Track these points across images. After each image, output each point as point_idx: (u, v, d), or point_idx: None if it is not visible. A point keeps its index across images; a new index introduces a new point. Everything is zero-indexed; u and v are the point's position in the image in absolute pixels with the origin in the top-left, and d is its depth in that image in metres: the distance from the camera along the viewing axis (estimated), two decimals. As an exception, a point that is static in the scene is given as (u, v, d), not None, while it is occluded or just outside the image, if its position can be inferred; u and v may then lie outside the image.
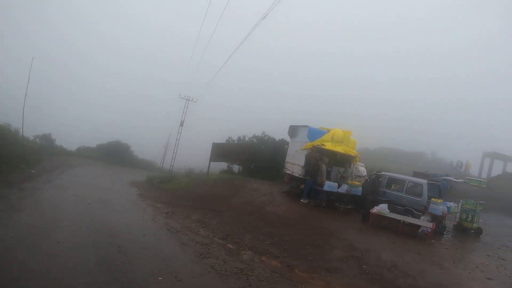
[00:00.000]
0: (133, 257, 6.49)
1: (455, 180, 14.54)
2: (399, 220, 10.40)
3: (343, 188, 12.29)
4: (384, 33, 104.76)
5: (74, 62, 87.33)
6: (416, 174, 16.68)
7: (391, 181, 12.95)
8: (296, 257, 7.32)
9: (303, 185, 13.06)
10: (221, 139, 20.35)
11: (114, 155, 32.51)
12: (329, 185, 12.13)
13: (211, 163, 18.29)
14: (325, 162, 13.18)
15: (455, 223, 12.70)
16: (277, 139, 18.82)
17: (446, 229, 12.08)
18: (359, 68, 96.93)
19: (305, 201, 12.56)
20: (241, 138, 20.04)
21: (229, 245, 7.80)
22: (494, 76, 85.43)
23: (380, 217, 10.75)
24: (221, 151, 18.21)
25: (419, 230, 10.41)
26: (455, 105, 70.83)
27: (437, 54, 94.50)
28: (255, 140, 19.53)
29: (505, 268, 8.76)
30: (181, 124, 30.42)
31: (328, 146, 12.93)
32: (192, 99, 30.47)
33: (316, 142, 13.09)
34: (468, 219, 12.30)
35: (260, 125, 23.28)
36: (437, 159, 37.72)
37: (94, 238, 7.35)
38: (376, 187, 12.07)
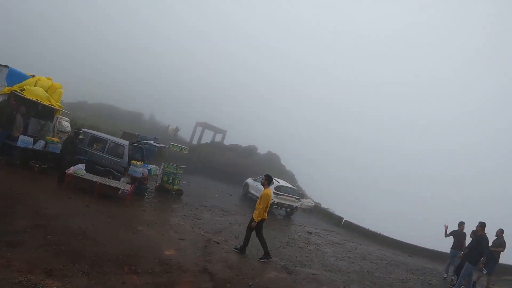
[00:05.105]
0: None
1: (156, 144, 15.07)
2: (96, 182, 9.65)
3: (40, 145, 10.42)
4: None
5: None
6: (125, 134, 16.44)
7: (94, 140, 12.10)
8: (-25, 233, 5.81)
9: (-4, 139, 9.74)
10: None
11: None
12: (23, 140, 10.02)
13: None
14: (22, 112, 10.62)
15: (157, 184, 13.42)
16: None
17: (148, 190, 12.47)
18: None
19: None
20: None
21: None
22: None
23: (76, 178, 9.63)
24: None
25: (119, 192, 10.12)
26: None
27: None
28: None
29: (199, 228, 9.55)
30: None
31: (29, 93, 10.36)
32: None
33: (16, 88, 10.28)
34: (170, 181, 13.32)
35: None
36: (154, 122, 41.09)
37: None
38: (74, 145, 10.81)
